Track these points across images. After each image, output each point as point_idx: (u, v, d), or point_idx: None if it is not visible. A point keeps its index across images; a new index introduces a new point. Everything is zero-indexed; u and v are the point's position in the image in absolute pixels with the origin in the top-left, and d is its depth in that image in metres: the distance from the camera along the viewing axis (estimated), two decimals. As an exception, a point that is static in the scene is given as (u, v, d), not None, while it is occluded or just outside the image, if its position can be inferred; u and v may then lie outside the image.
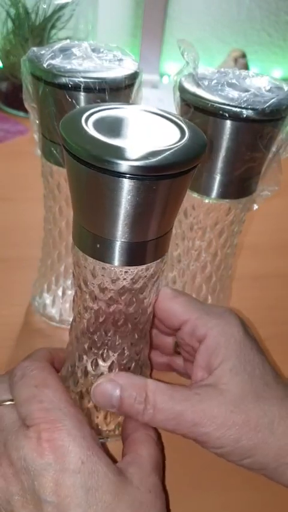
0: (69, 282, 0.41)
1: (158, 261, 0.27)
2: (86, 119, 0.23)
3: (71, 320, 0.43)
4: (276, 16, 1.00)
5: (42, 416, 0.27)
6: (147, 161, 0.21)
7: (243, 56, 0.89)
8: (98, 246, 0.25)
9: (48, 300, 0.43)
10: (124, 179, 0.21)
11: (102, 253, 0.25)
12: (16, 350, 0.40)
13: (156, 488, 0.27)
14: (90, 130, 0.22)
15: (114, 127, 0.24)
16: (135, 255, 0.25)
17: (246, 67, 0.89)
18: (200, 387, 0.30)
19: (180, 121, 0.25)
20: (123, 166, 0.21)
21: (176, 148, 0.22)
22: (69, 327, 0.42)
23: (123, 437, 0.31)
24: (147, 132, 0.24)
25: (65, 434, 0.26)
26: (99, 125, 0.23)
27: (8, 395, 0.29)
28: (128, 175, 0.21)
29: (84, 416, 0.29)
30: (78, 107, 0.31)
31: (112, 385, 0.29)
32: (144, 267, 0.26)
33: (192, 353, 0.33)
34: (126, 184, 0.21)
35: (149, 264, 0.26)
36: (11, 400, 0.29)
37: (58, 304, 0.42)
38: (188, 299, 0.34)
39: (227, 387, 0.30)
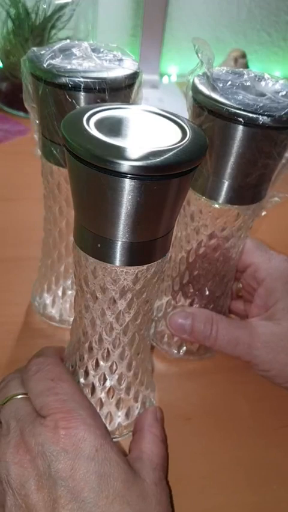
0: (69, 282, 0.41)
1: (159, 261, 0.27)
2: (87, 119, 0.23)
3: (71, 320, 0.43)
4: (276, 16, 1.00)
5: (58, 406, 0.28)
6: (148, 161, 0.21)
7: (243, 56, 0.89)
8: (99, 245, 0.25)
9: (48, 300, 0.43)
10: (125, 179, 0.21)
11: (103, 253, 0.25)
12: (16, 350, 0.40)
13: (161, 482, 0.28)
14: (92, 130, 0.22)
15: (115, 127, 0.23)
16: (136, 255, 0.25)
17: (246, 67, 0.89)
18: (255, 320, 0.37)
19: (182, 121, 0.25)
20: (125, 166, 0.20)
21: (177, 148, 0.22)
22: (69, 327, 0.42)
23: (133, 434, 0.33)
24: (148, 132, 0.24)
25: (80, 423, 0.27)
26: (101, 125, 0.23)
27: (21, 389, 0.30)
28: (129, 175, 0.21)
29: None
30: (78, 107, 0.31)
31: (185, 314, 0.37)
32: (145, 267, 0.26)
33: (252, 293, 0.40)
34: (127, 184, 0.21)
35: (149, 264, 0.26)
36: (24, 394, 0.30)
37: (58, 304, 0.42)
38: (256, 245, 0.41)
39: (279, 322, 0.36)
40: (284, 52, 1.05)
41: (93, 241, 0.25)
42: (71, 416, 0.27)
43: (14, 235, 0.53)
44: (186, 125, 0.24)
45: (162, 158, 0.21)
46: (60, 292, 0.42)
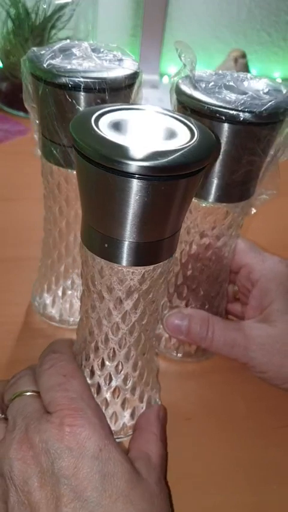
0: (69, 282, 0.41)
1: (166, 261, 0.27)
2: (96, 120, 0.23)
3: (71, 320, 0.43)
4: (276, 16, 1.00)
5: (66, 403, 0.28)
6: (156, 161, 0.21)
7: (243, 56, 0.89)
8: (106, 245, 0.25)
9: (48, 300, 0.43)
10: (134, 179, 0.21)
11: (110, 253, 0.25)
12: (16, 350, 0.40)
13: (160, 481, 0.28)
14: (100, 130, 0.22)
15: (123, 127, 0.23)
16: (143, 255, 0.25)
17: (246, 67, 0.89)
18: (251, 322, 0.38)
19: (190, 122, 0.25)
20: (133, 166, 0.20)
21: (185, 149, 0.22)
22: (69, 327, 0.42)
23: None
24: (156, 133, 0.24)
25: (86, 422, 0.27)
26: (109, 125, 0.23)
27: (33, 386, 0.30)
28: (137, 176, 0.21)
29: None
30: (78, 107, 0.31)
31: (181, 315, 0.37)
32: (151, 267, 0.26)
33: (246, 295, 0.41)
34: (136, 185, 0.21)
35: (156, 265, 0.26)
36: (35, 391, 0.30)
37: (58, 304, 0.42)
38: (249, 246, 0.41)
39: (274, 324, 0.36)
40: (284, 52, 1.05)
41: (101, 241, 0.25)
42: (77, 414, 0.27)
43: (14, 235, 0.53)
44: (194, 125, 0.24)
45: (170, 158, 0.21)
46: (60, 292, 0.42)
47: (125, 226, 0.23)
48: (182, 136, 0.23)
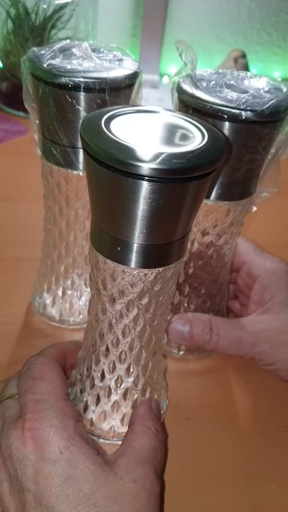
0: (69, 282, 0.41)
1: (177, 262, 0.27)
2: (106, 123, 0.23)
3: (71, 320, 0.43)
4: (276, 16, 1.00)
5: (31, 406, 0.28)
6: (171, 164, 0.21)
7: (243, 56, 0.89)
8: (119, 249, 0.25)
9: (48, 300, 0.43)
10: (148, 182, 0.21)
11: (122, 256, 0.25)
12: (16, 350, 0.40)
13: (143, 478, 0.27)
14: (111, 133, 0.22)
15: (133, 130, 0.23)
16: (155, 257, 0.25)
17: (246, 67, 0.89)
18: (254, 316, 0.38)
19: (199, 123, 0.25)
20: (148, 169, 0.20)
21: (198, 151, 0.22)
22: (69, 327, 0.42)
23: None
24: (167, 135, 0.24)
25: (46, 424, 0.27)
26: (119, 128, 0.23)
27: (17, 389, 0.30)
28: (152, 178, 0.21)
29: (75, 410, 0.29)
30: (78, 107, 0.31)
31: (183, 321, 0.37)
32: (163, 268, 0.26)
33: (247, 293, 0.41)
34: (150, 187, 0.21)
35: (168, 266, 0.26)
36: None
37: (58, 304, 0.42)
38: (252, 247, 0.42)
39: (277, 316, 0.37)
40: (284, 52, 1.05)
41: (113, 244, 0.25)
42: (38, 417, 0.27)
43: (14, 235, 0.53)
44: (204, 127, 0.24)
45: (184, 161, 0.21)
46: (60, 292, 0.42)
47: (138, 229, 0.23)
48: (193, 138, 0.23)
